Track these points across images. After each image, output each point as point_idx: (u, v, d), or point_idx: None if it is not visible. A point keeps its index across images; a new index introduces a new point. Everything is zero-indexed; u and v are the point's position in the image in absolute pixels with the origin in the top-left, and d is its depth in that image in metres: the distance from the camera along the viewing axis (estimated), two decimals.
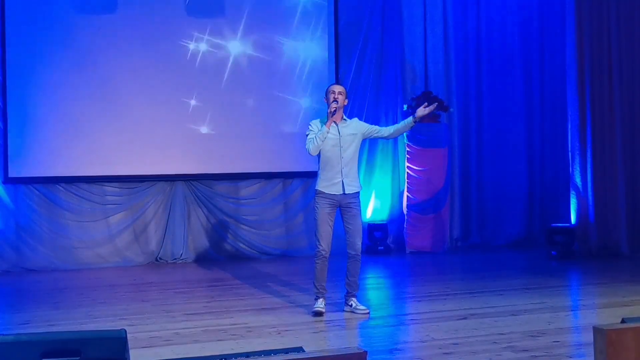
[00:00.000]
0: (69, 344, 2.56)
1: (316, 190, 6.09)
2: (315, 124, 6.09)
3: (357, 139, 6.10)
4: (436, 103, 6.08)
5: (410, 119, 6.13)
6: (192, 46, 9.15)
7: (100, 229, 8.93)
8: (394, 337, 5.39)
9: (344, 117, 6.15)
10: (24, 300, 7.07)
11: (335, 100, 6.00)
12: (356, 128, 6.14)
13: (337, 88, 6.14)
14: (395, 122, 9.98)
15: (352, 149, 6.06)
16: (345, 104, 6.15)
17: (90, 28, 8.79)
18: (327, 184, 6.02)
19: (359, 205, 6.12)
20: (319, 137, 5.95)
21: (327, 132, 5.95)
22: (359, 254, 6.11)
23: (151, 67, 9.01)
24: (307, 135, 6.08)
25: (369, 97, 10.01)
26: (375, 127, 6.32)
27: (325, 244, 5.99)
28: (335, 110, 5.97)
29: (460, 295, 6.89)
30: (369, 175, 9.91)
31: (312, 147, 6.00)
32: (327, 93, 6.12)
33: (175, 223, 9.20)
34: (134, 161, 8.98)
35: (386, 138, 6.54)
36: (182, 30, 9.12)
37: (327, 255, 6.02)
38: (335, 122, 6.01)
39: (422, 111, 6.08)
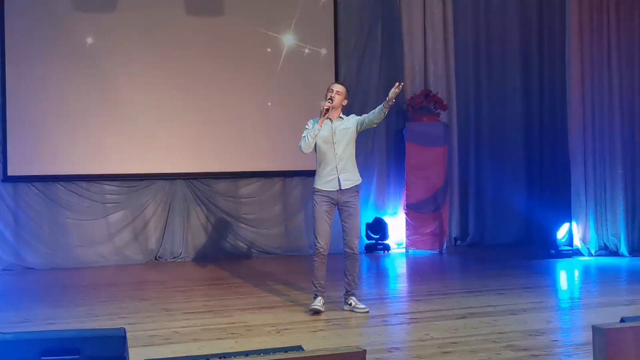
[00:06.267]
0: (69, 342, 2.56)
1: (314, 188, 6.09)
2: (311, 123, 6.08)
3: (350, 133, 6.04)
4: (402, 83, 5.99)
5: (382, 105, 5.89)
6: (190, 46, 9.13)
7: (99, 227, 8.92)
8: (393, 336, 5.39)
9: (341, 115, 6.11)
10: (23, 298, 7.06)
11: (330, 99, 5.98)
12: (350, 122, 6.10)
13: (337, 87, 6.11)
14: (394, 121, 10.00)
15: (345, 143, 6.02)
16: (345, 104, 6.13)
17: (89, 26, 8.77)
18: (324, 181, 6.02)
19: (358, 204, 6.10)
20: (310, 135, 5.95)
21: (319, 130, 5.94)
22: (357, 252, 6.11)
23: (150, 66, 9.00)
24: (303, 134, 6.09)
25: (369, 97, 9.99)
26: (362, 116, 6.10)
27: (323, 241, 5.98)
28: (328, 110, 5.94)
29: (460, 294, 6.89)
30: (369, 174, 9.88)
31: (303, 145, 6.00)
32: (327, 90, 6.11)
33: (174, 222, 9.20)
34: (133, 160, 8.97)
35: (374, 124, 6.09)
36: (180, 29, 9.11)
37: (326, 253, 6.01)
38: (330, 119, 6.01)
39: (391, 92, 5.84)
